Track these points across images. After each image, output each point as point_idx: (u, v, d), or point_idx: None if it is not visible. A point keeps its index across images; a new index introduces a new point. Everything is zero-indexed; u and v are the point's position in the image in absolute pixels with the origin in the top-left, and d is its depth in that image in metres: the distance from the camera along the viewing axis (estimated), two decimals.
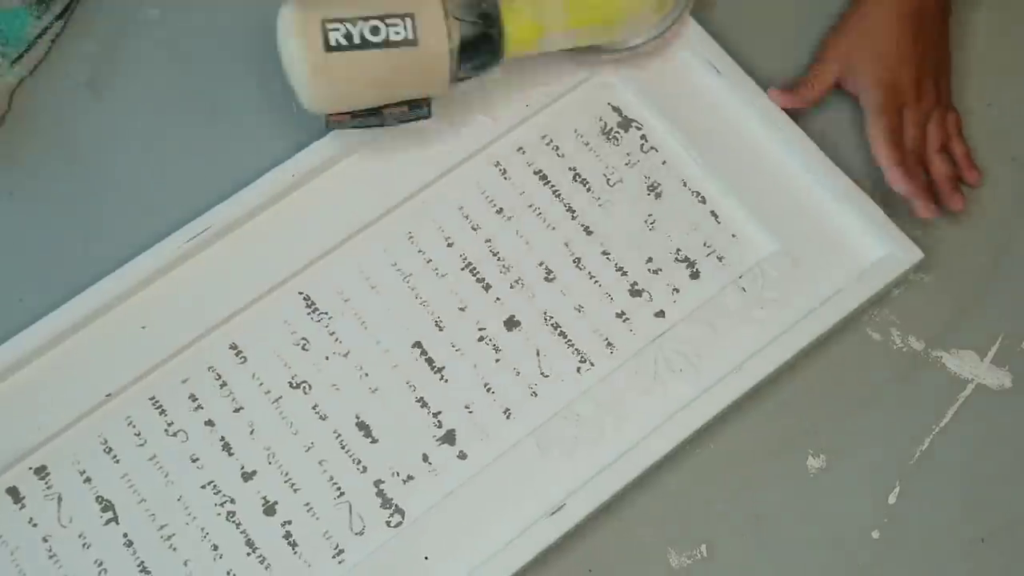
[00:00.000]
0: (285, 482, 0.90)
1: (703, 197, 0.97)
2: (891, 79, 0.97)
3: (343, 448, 0.90)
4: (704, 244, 0.95)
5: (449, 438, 0.90)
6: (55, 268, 0.95)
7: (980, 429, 0.91)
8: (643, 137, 0.99)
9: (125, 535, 0.88)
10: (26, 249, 0.97)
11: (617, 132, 0.99)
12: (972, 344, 0.94)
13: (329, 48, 0.86)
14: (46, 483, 0.89)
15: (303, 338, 0.93)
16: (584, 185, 0.98)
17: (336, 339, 0.93)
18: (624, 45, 0.97)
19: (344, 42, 0.86)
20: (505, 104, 1.00)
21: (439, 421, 0.91)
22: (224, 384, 0.92)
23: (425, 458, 0.90)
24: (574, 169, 0.98)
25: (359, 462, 0.90)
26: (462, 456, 0.90)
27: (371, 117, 0.91)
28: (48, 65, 1.03)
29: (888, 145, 0.95)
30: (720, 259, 0.95)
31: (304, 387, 0.92)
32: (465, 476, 0.89)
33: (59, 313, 0.92)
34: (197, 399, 0.92)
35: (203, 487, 0.90)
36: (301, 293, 0.95)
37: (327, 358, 0.93)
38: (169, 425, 0.91)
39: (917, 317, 0.94)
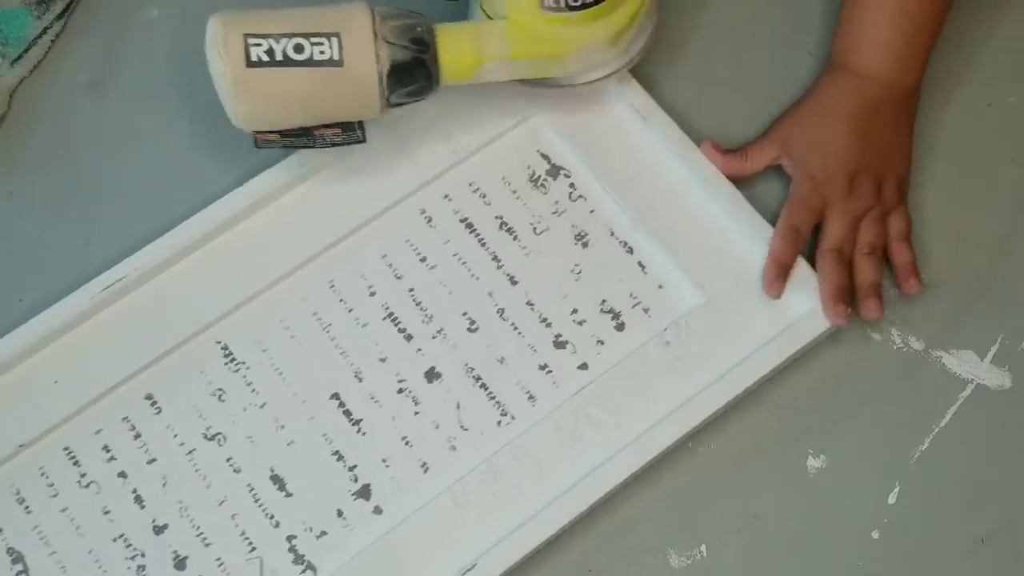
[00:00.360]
0: (197, 536, 0.88)
1: (630, 247, 0.95)
2: (821, 173, 0.95)
3: (256, 502, 0.89)
4: (630, 295, 0.94)
5: (364, 492, 0.89)
6: (55, 268, 0.96)
7: (980, 429, 0.91)
8: (572, 185, 0.98)
9: None
10: (26, 249, 0.97)
11: (545, 180, 0.98)
12: (972, 344, 0.93)
13: (250, 63, 0.84)
14: None
15: (219, 388, 0.92)
16: (511, 234, 0.96)
17: (253, 390, 0.92)
18: (571, 81, 0.94)
19: (266, 58, 0.84)
20: (432, 151, 0.99)
21: (355, 475, 0.90)
22: (138, 435, 0.91)
23: (340, 513, 0.89)
24: (501, 217, 0.97)
25: (272, 516, 0.88)
26: (377, 511, 0.89)
27: (301, 137, 0.90)
28: (48, 65, 1.04)
29: (778, 238, 0.93)
30: (646, 311, 0.93)
31: (219, 439, 0.91)
32: (379, 532, 0.88)
33: None
34: (110, 450, 0.91)
35: (114, 540, 0.89)
36: (219, 342, 0.93)
37: (243, 409, 0.92)
38: (82, 476, 0.90)
39: (917, 317, 0.93)
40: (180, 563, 0.88)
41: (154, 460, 0.90)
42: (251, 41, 0.84)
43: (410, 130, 0.99)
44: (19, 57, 1.03)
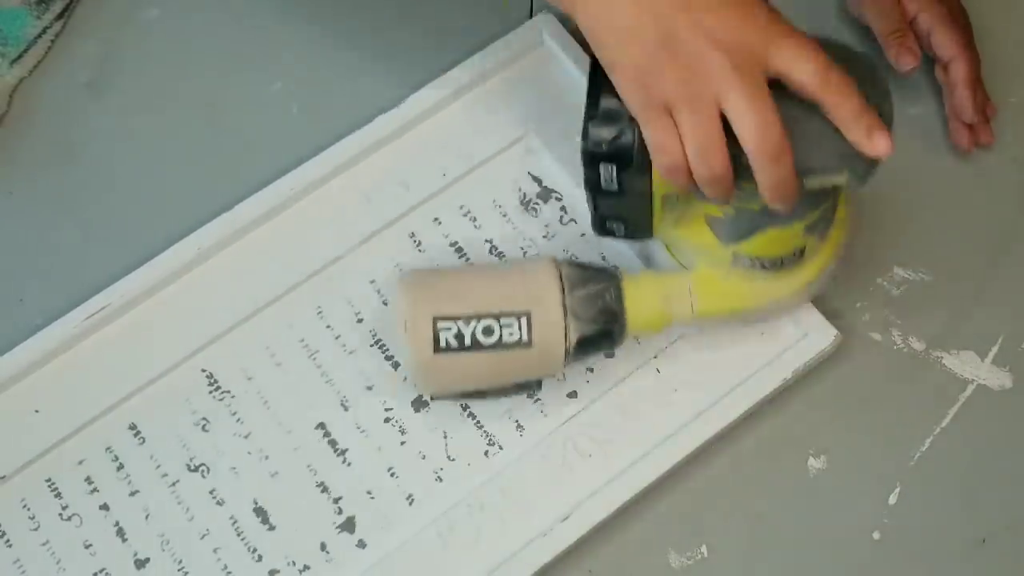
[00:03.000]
0: (179, 570, 0.87)
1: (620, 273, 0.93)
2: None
3: (239, 535, 0.88)
4: None
5: (349, 525, 0.88)
6: (55, 268, 0.95)
7: (980, 429, 0.90)
8: (563, 208, 0.96)
9: None
10: (26, 249, 0.97)
11: (536, 203, 0.97)
12: (972, 344, 0.93)
13: (438, 349, 0.82)
14: None
15: (204, 418, 0.91)
16: (500, 258, 0.95)
17: (238, 419, 0.91)
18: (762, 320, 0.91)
19: (455, 343, 0.82)
20: (422, 173, 0.97)
21: (339, 507, 0.88)
22: (121, 466, 0.90)
23: (323, 547, 0.87)
24: (491, 241, 0.96)
25: (255, 550, 0.87)
26: (361, 545, 0.88)
27: (476, 394, 0.89)
28: (48, 65, 1.03)
29: (966, 63, 0.96)
30: (636, 338, 0.91)
31: (203, 470, 0.90)
32: (363, 567, 0.87)
33: None
34: (93, 482, 0.90)
35: (96, 574, 0.87)
36: (204, 370, 0.92)
37: (228, 439, 0.90)
38: (64, 508, 0.89)
39: (917, 317, 0.93)
40: None
41: (137, 492, 0.89)
42: (440, 325, 0.82)
43: (400, 151, 0.97)
44: (19, 57, 1.02)
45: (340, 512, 0.88)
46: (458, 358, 0.82)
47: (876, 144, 0.71)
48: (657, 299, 0.85)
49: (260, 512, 0.89)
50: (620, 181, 0.77)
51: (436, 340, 0.82)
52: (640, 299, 0.85)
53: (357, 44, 1.05)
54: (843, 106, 0.71)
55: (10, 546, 0.88)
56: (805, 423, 0.90)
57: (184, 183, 0.98)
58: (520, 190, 0.98)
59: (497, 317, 0.82)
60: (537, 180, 0.98)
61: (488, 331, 0.82)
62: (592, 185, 0.79)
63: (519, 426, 0.90)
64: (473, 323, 0.82)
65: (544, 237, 0.96)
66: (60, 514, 0.89)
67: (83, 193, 0.98)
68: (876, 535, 0.88)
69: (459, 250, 0.96)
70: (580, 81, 0.97)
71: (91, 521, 0.89)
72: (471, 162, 0.98)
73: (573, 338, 0.83)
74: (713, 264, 0.85)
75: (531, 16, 1.03)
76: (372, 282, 0.95)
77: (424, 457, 0.90)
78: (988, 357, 0.93)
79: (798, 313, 0.91)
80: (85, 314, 0.92)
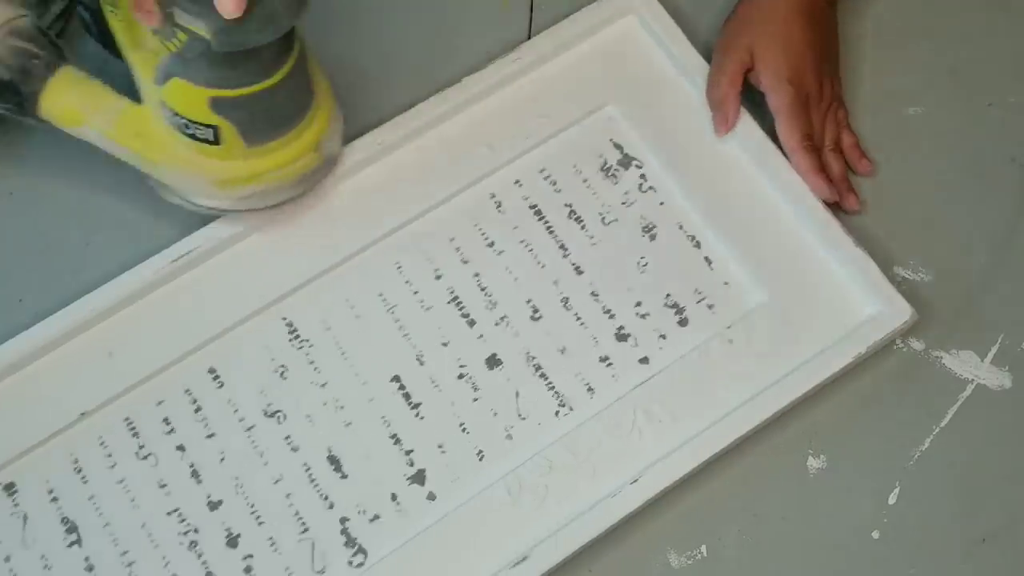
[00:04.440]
0: (251, 514, 0.89)
1: (698, 242, 0.95)
2: (796, 76, 0.95)
3: (312, 482, 0.89)
4: (695, 291, 0.93)
5: (419, 478, 0.89)
6: (55, 268, 0.95)
7: (980, 429, 0.90)
8: (643, 176, 0.97)
9: (87, 559, 0.88)
10: (26, 249, 0.97)
11: (616, 170, 0.97)
12: (972, 344, 0.93)
13: None
14: (13, 501, 0.89)
15: (282, 365, 0.92)
16: (579, 223, 0.96)
17: (315, 368, 0.92)
18: (188, 200, 0.92)
19: None
20: (505, 135, 0.98)
21: (411, 460, 0.89)
22: (199, 408, 0.91)
23: (393, 497, 0.89)
24: (570, 206, 0.96)
25: (326, 497, 0.89)
26: (431, 497, 0.89)
27: None
28: None
29: (806, 153, 0.94)
30: (710, 307, 0.92)
31: (279, 416, 0.91)
32: (432, 519, 0.88)
33: (37, 329, 0.92)
34: (170, 423, 0.91)
35: (168, 514, 0.89)
36: (284, 319, 0.94)
37: (304, 387, 0.92)
38: (140, 448, 0.90)
39: (917, 317, 0.91)
40: (232, 541, 0.88)
41: (213, 435, 0.91)
42: None
43: (483, 115, 0.98)
44: None
45: (411, 464, 0.90)
46: None
47: (220, 3, 0.76)
48: (77, 98, 0.87)
49: (333, 460, 0.90)
50: None
51: None
52: (64, 89, 0.87)
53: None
54: None
55: (86, 482, 0.90)
56: (805, 423, 0.90)
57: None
58: (601, 156, 0.98)
59: None
60: (618, 147, 0.99)
61: None
62: None
63: (590, 389, 0.91)
64: None
65: (623, 204, 0.97)
66: (137, 453, 0.91)
67: (83, 193, 0.98)
68: (876, 535, 0.88)
69: (538, 212, 0.97)
70: (666, 51, 0.98)
71: (167, 461, 0.90)
72: (554, 127, 0.99)
73: None
74: (154, 108, 0.87)
75: (531, 15, 1.04)
76: (452, 240, 0.96)
77: (495, 414, 0.91)
78: (988, 357, 0.93)
79: (874, 289, 0.91)
80: (170, 258, 0.94)
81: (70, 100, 0.87)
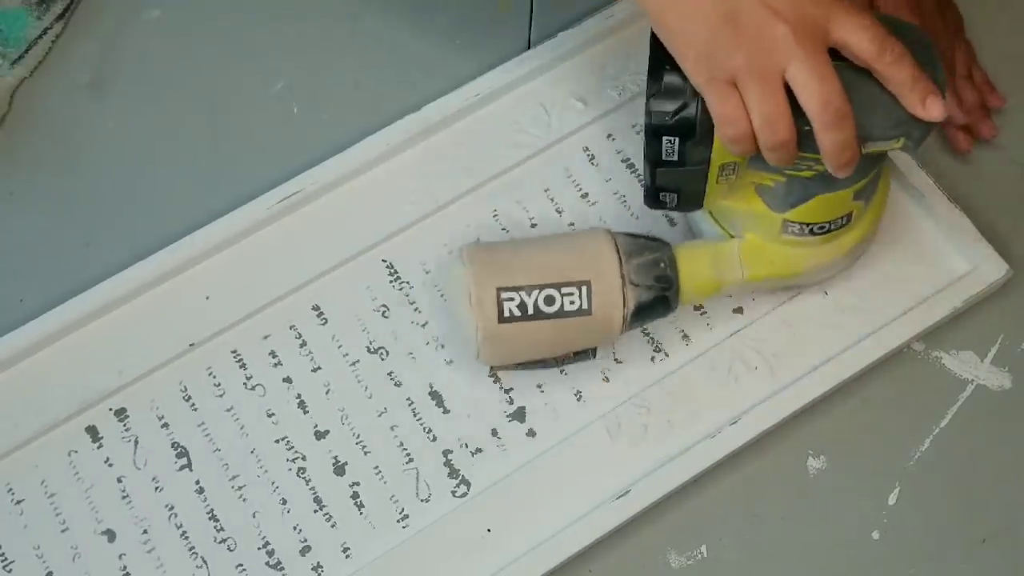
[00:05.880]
0: (356, 444, 0.91)
1: None
2: (917, 7, 0.97)
3: (415, 416, 0.92)
4: None
5: (519, 415, 0.92)
6: (55, 268, 0.96)
7: (980, 430, 0.91)
8: None
9: (197, 482, 0.90)
10: (26, 249, 0.97)
11: None
12: (972, 345, 0.93)
13: (502, 319, 0.85)
14: (124, 425, 0.91)
15: (383, 305, 0.95)
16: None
17: (416, 308, 0.95)
18: (802, 284, 0.94)
19: (518, 312, 0.84)
20: (597, 91, 1.01)
21: (511, 398, 0.92)
22: (304, 344, 0.94)
23: (494, 432, 0.91)
24: None
25: (430, 431, 0.91)
26: (531, 434, 0.91)
27: (537, 363, 0.90)
28: (48, 65, 1.03)
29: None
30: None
31: (381, 353, 0.94)
32: (532, 454, 0.91)
33: (149, 262, 0.94)
34: (277, 356, 0.93)
35: (277, 442, 0.91)
36: (385, 260, 0.96)
37: (406, 327, 0.94)
38: (248, 379, 0.93)
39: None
40: (339, 468, 0.91)
41: (319, 368, 0.93)
42: (504, 296, 0.84)
43: (577, 70, 1.01)
44: (19, 57, 1.02)
45: (511, 403, 0.92)
46: (522, 327, 0.85)
47: (930, 109, 0.74)
48: (708, 266, 0.87)
49: (435, 396, 0.93)
50: (682, 153, 0.79)
51: (500, 310, 0.84)
52: (692, 266, 0.87)
53: None
54: (899, 74, 0.74)
55: (195, 410, 0.93)
56: (805, 423, 0.91)
57: (184, 183, 0.99)
58: None
59: (558, 286, 0.85)
60: None
61: (550, 300, 0.84)
62: (653, 157, 0.80)
63: (685, 336, 0.94)
64: (535, 293, 0.84)
65: None
66: (244, 383, 0.93)
67: (83, 193, 0.99)
68: (876, 535, 0.89)
69: (631, 166, 0.99)
70: None
71: (274, 392, 0.93)
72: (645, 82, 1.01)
73: (631, 305, 0.85)
74: (762, 231, 0.87)
75: (531, 17, 1.05)
76: (546, 191, 0.98)
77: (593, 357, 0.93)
78: (988, 357, 0.93)
79: (968, 245, 0.94)
80: (276, 199, 0.96)
81: (702, 274, 0.88)
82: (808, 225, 0.86)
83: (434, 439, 0.91)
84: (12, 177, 1.00)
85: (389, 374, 0.93)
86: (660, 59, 0.78)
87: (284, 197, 0.96)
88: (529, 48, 1.02)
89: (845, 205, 0.85)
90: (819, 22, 0.73)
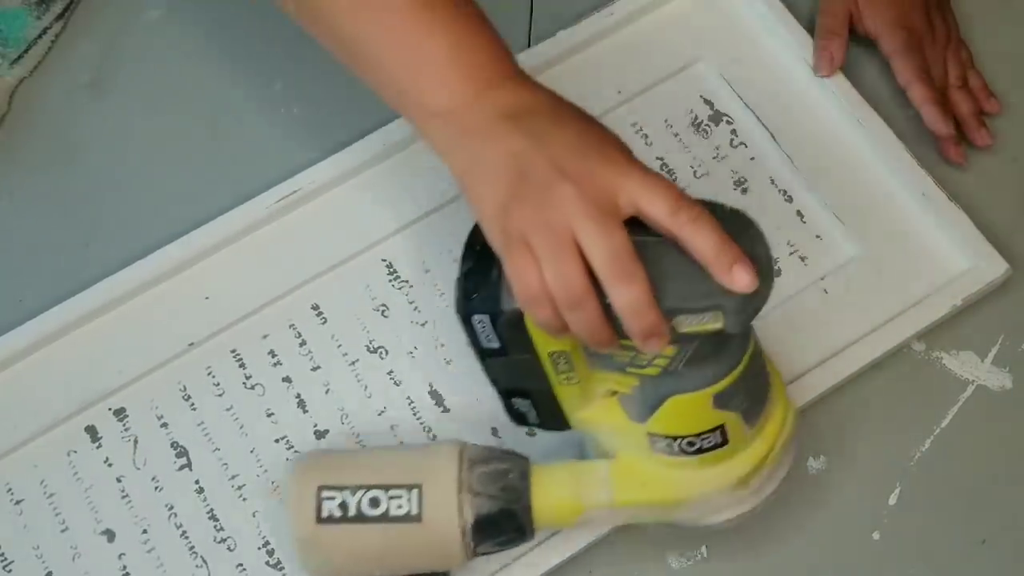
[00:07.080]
0: (357, 442, 0.91)
1: (789, 196, 0.97)
2: (904, 17, 0.97)
3: (415, 414, 0.92)
4: (788, 243, 0.96)
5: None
6: (55, 268, 0.96)
7: (980, 430, 0.91)
8: (733, 132, 1.00)
9: (197, 482, 0.90)
10: (26, 249, 0.98)
11: (707, 125, 1.00)
12: (973, 345, 0.93)
13: (320, 519, 0.78)
14: (124, 425, 0.91)
15: (383, 304, 0.95)
16: (671, 176, 0.98)
17: (415, 308, 0.95)
18: (695, 523, 0.83)
19: (338, 513, 0.78)
20: (597, 89, 1.00)
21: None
22: (304, 343, 0.94)
23: (495, 432, 0.91)
24: (661, 159, 0.99)
25: (430, 430, 0.91)
26: (531, 435, 0.91)
27: None
28: (48, 65, 1.03)
29: (923, 84, 0.96)
30: (803, 259, 0.95)
31: (381, 352, 0.93)
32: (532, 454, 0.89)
33: (148, 261, 0.94)
34: (276, 355, 0.93)
35: (276, 441, 0.91)
36: (384, 260, 0.96)
37: (406, 326, 0.94)
38: (248, 378, 0.93)
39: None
40: None
41: (318, 367, 0.93)
42: (325, 494, 0.78)
43: (577, 68, 1.01)
44: (19, 57, 1.02)
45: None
46: (343, 530, 0.78)
47: (737, 278, 0.68)
48: (566, 486, 0.80)
49: (435, 396, 0.92)
50: (500, 336, 0.75)
51: (319, 511, 0.78)
52: (548, 485, 0.80)
53: None
54: (698, 237, 0.68)
55: (195, 409, 0.93)
56: (805, 423, 0.88)
57: (184, 183, 0.99)
58: (692, 112, 1.01)
59: (386, 488, 0.78)
60: (709, 103, 1.01)
61: (374, 502, 0.78)
62: (476, 346, 0.76)
63: None
64: (360, 493, 0.78)
65: (714, 158, 0.99)
66: (244, 383, 0.93)
67: (83, 193, 0.99)
68: (876, 535, 0.88)
69: None
70: (757, 8, 1.01)
71: (273, 391, 0.93)
72: (645, 82, 1.02)
73: (469, 516, 0.78)
74: (633, 449, 0.79)
75: (531, 19, 1.06)
76: None
77: None
78: (988, 357, 0.93)
79: (968, 243, 0.94)
80: (276, 197, 0.96)
81: (559, 493, 0.80)
82: (675, 440, 0.77)
83: (434, 439, 0.91)
84: (11, 177, 1.01)
85: (389, 373, 0.93)
86: (471, 241, 0.76)
87: (283, 196, 0.96)
88: (530, 46, 1.02)
89: (707, 413, 0.76)
90: (608, 181, 0.69)
